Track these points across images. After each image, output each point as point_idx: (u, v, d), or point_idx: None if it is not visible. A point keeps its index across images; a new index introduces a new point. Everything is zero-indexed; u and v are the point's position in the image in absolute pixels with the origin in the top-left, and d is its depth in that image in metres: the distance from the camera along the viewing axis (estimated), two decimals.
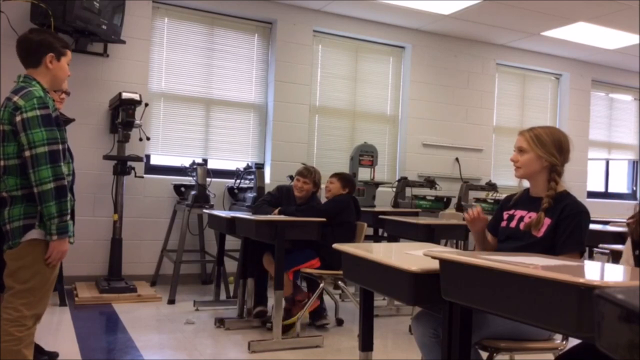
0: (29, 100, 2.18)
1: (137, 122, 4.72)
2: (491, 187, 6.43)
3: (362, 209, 4.82)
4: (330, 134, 6.32)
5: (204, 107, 5.76)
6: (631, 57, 7.11)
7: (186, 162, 5.37)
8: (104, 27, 4.83)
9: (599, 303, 0.81)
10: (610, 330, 0.78)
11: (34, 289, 2.21)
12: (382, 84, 6.60)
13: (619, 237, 3.82)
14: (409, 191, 6.08)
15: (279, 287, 3.54)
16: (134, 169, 4.88)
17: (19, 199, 2.21)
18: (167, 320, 4.17)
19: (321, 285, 3.92)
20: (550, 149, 2.22)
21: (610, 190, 8.30)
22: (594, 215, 2.48)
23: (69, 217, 2.25)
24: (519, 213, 2.31)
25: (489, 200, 6.29)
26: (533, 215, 2.23)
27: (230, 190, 5.59)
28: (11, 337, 2.16)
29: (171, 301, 4.62)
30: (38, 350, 3.08)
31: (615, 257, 2.48)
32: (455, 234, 4.62)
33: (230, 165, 5.83)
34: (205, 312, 4.38)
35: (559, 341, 2.18)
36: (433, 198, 6.08)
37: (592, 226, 2.70)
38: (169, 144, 5.62)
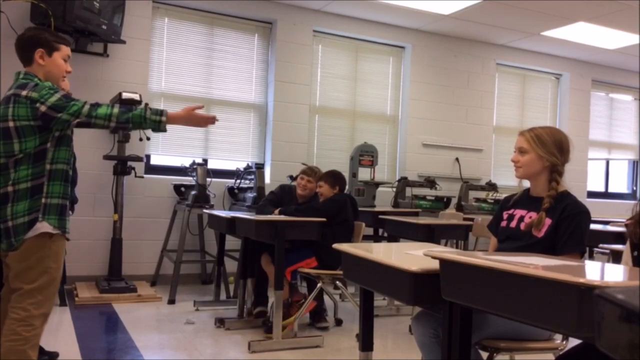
0: (41, 90, 2.21)
1: None
2: (491, 187, 6.43)
3: (362, 209, 4.83)
4: (330, 134, 6.32)
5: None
6: (631, 57, 7.11)
7: (186, 162, 5.37)
8: (104, 27, 4.83)
9: (599, 303, 0.81)
10: (610, 330, 0.78)
11: (42, 287, 2.21)
12: (382, 84, 6.60)
13: (619, 237, 3.82)
14: (409, 191, 6.08)
15: (279, 287, 3.54)
16: (134, 169, 4.88)
17: (24, 193, 2.20)
18: (167, 320, 4.17)
19: (319, 285, 3.93)
20: (551, 149, 2.22)
21: (610, 190, 8.31)
22: (594, 215, 2.48)
23: (67, 217, 2.25)
24: (518, 213, 2.31)
25: (489, 200, 6.30)
26: (533, 215, 2.23)
27: (230, 190, 5.59)
28: (18, 336, 2.15)
29: (171, 301, 4.62)
30: (39, 350, 3.07)
31: (615, 257, 2.49)
32: (455, 234, 4.62)
33: (230, 165, 5.83)
34: (205, 312, 4.38)
35: (559, 341, 2.18)
36: (433, 198, 6.08)
37: (592, 226, 2.70)
38: (169, 144, 5.62)
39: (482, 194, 6.47)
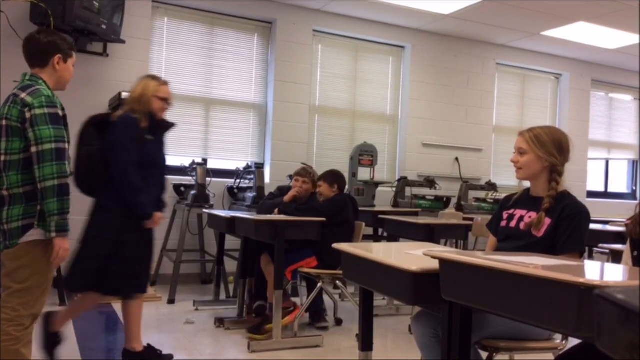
0: (37, 98, 2.20)
1: None
2: (491, 186, 6.43)
3: (362, 208, 4.82)
4: (330, 134, 6.32)
5: (203, 107, 5.76)
6: (631, 57, 7.11)
7: (186, 162, 5.36)
8: (104, 26, 4.83)
9: (599, 303, 0.80)
10: (610, 330, 0.77)
11: (32, 288, 2.21)
12: (382, 84, 6.60)
13: (619, 237, 3.82)
14: (408, 191, 6.08)
15: (279, 287, 3.54)
16: None
17: (19, 198, 2.21)
18: (167, 320, 4.17)
19: (319, 285, 3.92)
20: (550, 149, 2.22)
21: (610, 190, 8.31)
22: (594, 215, 2.47)
23: (68, 215, 2.24)
24: (518, 213, 2.31)
25: (489, 200, 6.30)
26: (533, 215, 2.23)
27: (230, 190, 5.59)
28: (9, 336, 2.16)
29: (171, 301, 4.62)
30: (155, 354, 3.10)
31: (615, 257, 2.48)
32: (455, 234, 4.62)
33: (230, 165, 5.83)
34: (205, 312, 4.38)
35: (558, 341, 2.18)
36: (433, 198, 6.08)
37: (592, 226, 2.70)
38: (169, 143, 5.58)
39: (481, 194, 6.47)
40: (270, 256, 3.89)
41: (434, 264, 1.60)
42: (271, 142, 5.90)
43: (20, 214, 2.20)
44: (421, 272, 1.65)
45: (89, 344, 3.46)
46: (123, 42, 5.11)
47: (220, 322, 3.99)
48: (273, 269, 3.65)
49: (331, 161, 6.07)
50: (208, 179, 5.07)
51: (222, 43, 5.84)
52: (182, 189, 5.38)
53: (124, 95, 4.60)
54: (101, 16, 4.77)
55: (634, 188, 8.43)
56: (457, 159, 6.80)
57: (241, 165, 5.69)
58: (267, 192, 4.76)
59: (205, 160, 5.60)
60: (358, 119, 6.45)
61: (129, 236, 2.88)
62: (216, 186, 5.43)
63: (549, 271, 1.24)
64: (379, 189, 5.98)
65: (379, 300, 4.58)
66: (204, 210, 4.94)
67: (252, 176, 5.30)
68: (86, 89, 5.08)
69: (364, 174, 5.84)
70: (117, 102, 4.73)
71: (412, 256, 1.98)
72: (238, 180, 5.50)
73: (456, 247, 5.22)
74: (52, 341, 2.82)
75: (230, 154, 5.91)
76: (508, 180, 6.77)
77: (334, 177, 4.34)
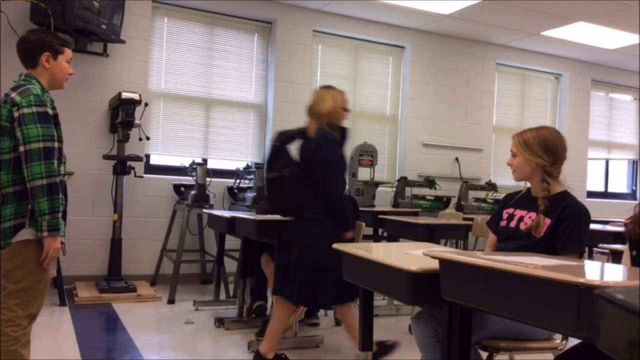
0: (25, 97, 2.19)
1: (137, 121, 4.72)
2: (491, 186, 6.43)
3: (362, 208, 4.82)
4: None
5: (203, 107, 5.76)
6: (631, 57, 7.11)
7: (186, 162, 5.36)
8: (104, 26, 4.83)
9: (599, 303, 0.80)
10: (610, 330, 0.77)
11: (28, 288, 2.21)
12: (382, 84, 6.60)
13: (618, 237, 3.82)
14: (408, 191, 6.08)
15: None
16: (133, 168, 4.88)
17: (10, 197, 2.20)
18: (167, 320, 4.17)
19: None
20: (537, 150, 2.24)
21: (610, 190, 8.31)
22: (593, 215, 2.47)
23: (60, 214, 2.23)
24: (519, 213, 2.32)
25: (489, 200, 6.30)
26: (533, 215, 2.23)
27: (230, 190, 5.59)
28: (7, 337, 2.16)
29: (171, 301, 4.62)
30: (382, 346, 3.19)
31: (615, 257, 2.48)
32: (455, 234, 4.62)
33: (230, 165, 5.83)
34: (205, 312, 4.38)
35: (558, 341, 2.18)
36: (433, 198, 6.08)
37: (592, 226, 2.69)
38: (168, 143, 5.62)
39: (481, 194, 6.47)
40: (271, 256, 3.88)
41: (434, 264, 1.60)
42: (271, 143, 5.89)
43: (12, 214, 2.20)
44: (421, 272, 1.65)
45: (88, 344, 3.46)
46: (123, 42, 5.11)
47: (220, 322, 3.99)
48: (273, 268, 3.64)
49: None
50: (208, 179, 5.07)
51: (222, 43, 5.84)
52: (182, 189, 5.38)
53: (124, 95, 4.61)
54: (101, 16, 4.77)
55: (634, 188, 8.43)
56: (457, 159, 6.80)
57: (241, 165, 5.69)
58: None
59: (205, 160, 5.60)
60: (358, 118, 6.45)
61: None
62: (216, 186, 5.43)
63: (549, 271, 1.24)
64: (379, 189, 5.98)
65: (379, 300, 4.58)
66: (204, 210, 4.94)
67: (252, 176, 5.30)
68: (86, 89, 5.08)
69: (364, 174, 5.84)
70: (117, 102, 4.74)
71: (412, 256, 1.98)
72: (238, 181, 5.50)
73: (456, 247, 5.22)
74: None
75: (230, 154, 5.91)
76: (508, 180, 6.73)
77: None
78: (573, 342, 1.70)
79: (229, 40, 5.87)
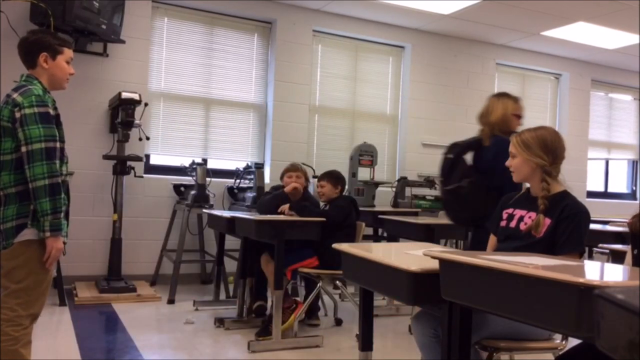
0: (27, 98, 2.19)
1: (137, 121, 4.72)
2: None
3: (362, 208, 4.81)
4: (330, 134, 6.32)
5: (203, 107, 5.76)
6: (631, 57, 7.11)
7: (186, 162, 5.36)
8: (104, 26, 4.83)
9: (599, 303, 0.80)
10: (610, 330, 0.77)
11: (29, 288, 2.21)
12: (381, 84, 6.60)
13: (618, 237, 3.82)
14: (408, 191, 6.08)
15: (279, 287, 3.54)
16: (133, 168, 4.88)
17: (12, 198, 2.20)
18: (167, 320, 4.17)
19: (319, 284, 3.92)
20: (536, 150, 2.24)
21: (609, 190, 8.31)
22: (593, 215, 2.47)
23: (62, 215, 2.23)
24: (518, 212, 2.32)
25: None
26: (533, 215, 2.23)
27: (230, 190, 5.59)
28: (8, 337, 2.16)
29: (171, 301, 4.62)
30: None
31: (615, 257, 2.48)
32: (455, 234, 4.62)
33: (230, 165, 5.83)
34: (205, 312, 4.37)
35: (558, 341, 2.18)
36: (433, 198, 6.07)
37: (592, 226, 2.70)
38: (168, 143, 5.62)
39: None
40: (270, 256, 3.89)
41: (434, 264, 1.60)
42: (271, 142, 5.90)
43: (14, 214, 2.20)
44: (421, 272, 1.66)
45: (88, 344, 3.46)
46: (123, 42, 5.11)
47: (220, 322, 3.99)
48: (273, 268, 3.65)
49: (331, 161, 6.07)
50: (208, 179, 5.07)
51: (222, 43, 5.84)
52: (182, 189, 5.38)
53: (124, 95, 4.61)
54: (101, 16, 4.77)
55: (634, 188, 8.43)
56: None
57: (241, 165, 5.69)
58: (265, 193, 4.75)
59: (205, 160, 5.60)
60: (358, 118, 6.45)
61: None
62: (216, 186, 5.43)
63: (549, 271, 1.24)
64: (379, 189, 5.98)
65: (379, 300, 4.58)
66: (204, 210, 4.94)
67: (252, 176, 5.30)
68: (86, 89, 5.08)
69: (363, 174, 5.84)
70: (116, 102, 4.73)
71: (412, 256, 1.98)
72: (238, 180, 5.50)
73: (456, 247, 5.22)
74: None
75: (230, 154, 5.91)
76: None
77: (337, 178, 4.30)
78: (573, 342, 1.70)
79: (229, 40, 5.87)
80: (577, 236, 2.13)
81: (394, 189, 6.08)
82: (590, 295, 1.01)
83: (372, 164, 5.82)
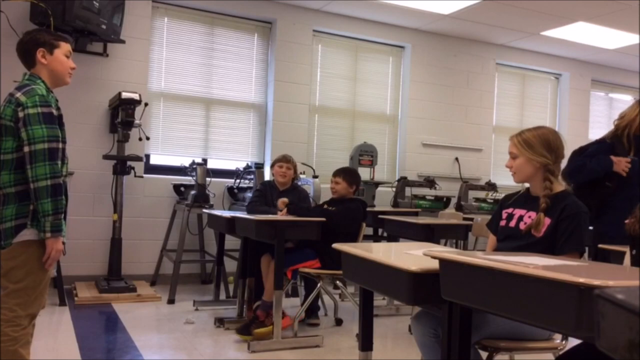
0: (30, 97, 2.19)
1: (137, 121, 4.72)
2: (491, 186, 6.43)
3: None
4: (330, 134, 6.32)
5: (203, 107, 5.76)
6: (631, 57, 7.11)
7: (186, 162, 5.37)
8: (104, 26, 4.83)
9: (599, 303, 0.80)
10: (610, 330, 0.77)
11: (28, 288, 2.21)
12: (381, 84, 6.60)
13: None
14: (408, 191, 6.08)
15: (279, 287, 3.54)
16: (133, 168, 4.88)
17: (12, 198, 2.20)
18: (167, 320, 4.17)
19: (319, 284, 3.92)
20: (539, 149, 2.23)
21: None
22: None
23: (63, 215, 2.23)
24: (518, 212, 2.31)
25: (489, 200, 6.30)
26: (532, 215, 2.23)
27: (230, 190, 5.59)
28: (7, 337, 2.16)
29: (171, 301, 4.62)
30: None
31: (615, 257, 2.48)
32: (454, 234, 4.62)
33: (230, 165, 5.83)
34: (205, 312, 4.38)
35: (558, 341, 2.18)
36: (433, 198, 6.08)
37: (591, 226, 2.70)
38: (168, 143, 5.62)
39: (481, 194, 6.47)
40: (271, 256, 3.88)
41: (434, 264, 1.60)
42: (271, 142, 5.90)
43: (13, 214, 2.20)
44: (421, 272, 1.65)
45: (88, 344, 3.46)
46: (123, 42, 5.11)
47: (220, 322, 3.99)
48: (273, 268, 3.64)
49: (331, 161, 6.08)
50: (208, 179, 5.07)
51: (222, 43, 5.84)
52: (182, 189, 5.38)
53: (124, 95, 4.61)
54: (101, 16, 4.77)
55: None
56: (457, 159, 6.80)
57: (241, 165, 5.69)
58: (255, 190, 4.76)
59: (205, 160, 5.60)
60: (358, 119, 6.45)
61: None
62: (216, 186, 5.43)
63: (549, 271, 1.24)
64: (379, 189, 5.98)
65: (379, 300, 4.58)
66: (204, 210, 4.94)
67: (252, 176, 5.30)
68: (86, 89, 5.08)
69: (364, 174, 5.80)
70: (116, 101, 4.73)
71: (412, 256, 1.98)
72: (238, 180, 5.50)
73: (456, 247, 5.22)
74: None
75: (230, 154, 5.91)
76: (508, 180, 6.72)
77: (354, 176, 4.23)
78: (573, 342, 1.70)
79: (229, 40, 5.87)
80: (577, 236, 2.13)
81: (394, 189, 6.08)
82: (590, 295, 1.01)
83: (372, 164, 5.82)
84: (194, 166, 5.14)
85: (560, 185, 2.26)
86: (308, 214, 3.87)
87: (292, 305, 4.60)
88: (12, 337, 2.17)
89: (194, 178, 5.05)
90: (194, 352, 3.43)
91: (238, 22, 5.88)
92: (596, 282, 1.15)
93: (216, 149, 5.83)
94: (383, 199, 6.06)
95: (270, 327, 3.64)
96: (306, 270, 3.92)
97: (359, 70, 6.45)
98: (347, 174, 4.22)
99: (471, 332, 1.66)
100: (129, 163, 4.83)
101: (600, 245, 2.69)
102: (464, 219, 4.96)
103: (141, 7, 5.33)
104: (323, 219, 3.73)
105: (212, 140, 5.81)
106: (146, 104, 4.79)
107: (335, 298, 4.51)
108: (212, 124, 5.79)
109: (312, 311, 4.16)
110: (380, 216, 4.71)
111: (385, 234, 5.15)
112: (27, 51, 2.32)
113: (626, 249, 1.93)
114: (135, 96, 4.63)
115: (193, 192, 4.98)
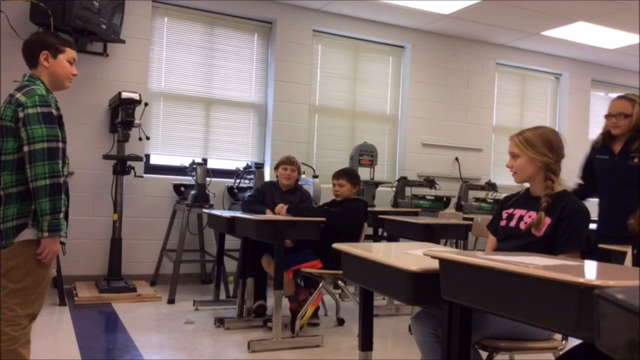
0: (30, 97, 2.20)
1: (137, 121, 4.72)
2: (491, 186, 6.43)
3: None
4: (330, 134, 6.32)
5: (203, 107, 5.76)
6: (631, 57, 7.11)
7: (186, 162, 5.37)
8: (104, 26, 4.83)
9: (599, 303, 0.80)
10: (610, 330, 0.77)
11: (28, 288, 2.21)
12: (381, 84, 6.60)
13: None
14: (408, 191, 6.08)
15: (279, 287, 3.54)
16: (133, 168, 4.88)
17: (13, 198, 2.21)
18: (167, 320, 4.17)
19: (321, 284, 3.92)
20: (541, 149, 2.23)
21: None
22: (593, 215, 2.48)
23: (62, 215, 2.23)
24: (518, 212, 2.32)
25: (489, 200, 6.30)
26: (533, 214, 2.23)
27: (230, 189, 5.59)
28: (7, 336, 2.16)
29: (171, 301, 4.62)
30: None
31: (615, 257, 2.48)
32: (455, 234, 4.62)
33: (230, 165, 5.83)
34: (205, 312, 4.38)
35: (558, 341, 2.18)
36: (433, 198, 6.08)
37: (591, 226, 2.69)
38: (168, 143, 5.62)
39: (481, 194, 6.46)
40: (272, 256, 3.89)
41: (434, 264, 1.60)
42: (271, 142, 5.90)
43: (15, 214, 2.20)
44: (421, 272, 1.65)
45: (88, 344, 3.46)
46: (123, 42, 5.11)
47: (220, 322, 3.99)
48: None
49: (331, 161, 6.08)
50: (208, 179, 5.07)
51: (222, 43, 5.84)
52: (182, 188, 5.38)
53: (124, 95, 4.61)
54: (101, 16, 4.77)
55: None
56: (457, 159, 6.80)
57: (241, 165, 5.69)
58: (254, 189, 4.77)
59: (205, 160, 5.60)
60: (358, 118, 6.45)
61: None
62: (216, 186, 5.43)
63: (549, 271, 1.24)
64: (379, 189, 5.98)
65: (379, 300, 4.58)
66: (204, 210, 4.94)
67: (252, 176, 5.30)
68: (86, 89, 5.08)
69: (364, 173, 5.82)
70: (116, 101, 4.73)
71: (412, 256, 1.98)
72: (238, 180, 5.50)
73: (456, 247, 5.22)
74: None
75: (230, 153, 5.91)
76: (508, 180, 6.72)
77: (356, 177, 4.28)
78: (573, 342, 1.70)
79: (229, 40, 5.86)
80: (577, 235, 2.13)
81: (394, 189, 6.08)
82: (590, 295, 1.01)
83: (372, 163, 5.82)
84: (194, 166, 5.14)
85: (559, 185, 2.26)
86: (308, 214, 3.87)
87: None
88: (12, 337, 2.17)
89: (194, 178, 5.05)
90: (194, 352, 3.43)
91: (238, 22, 5.88)
92: (596, 282, 1.15)
93: (216, 149, 5.83)
94: (383, 199, 6.06)
95: (307, 309, 3.85)
96: (308, 270, 3.92)
97: (359, 70, 6.45)
98: (351, 175, 4.24)
99: (471, 332, 1.66)
100: (129, 163, 4.83)
101: (600, 245, 2.68)
102: (464, 219, 4.96)
103: (141, 7, 5.33)
104: (323, 218, 3.73)
105: (212, 140, 5.80)
106: (146, 104, 4.79)
107: (337, 298, 4.51)
108: (212, 123, 5.79)
109: (313, 312, 4.15)
110: (380, 216, 4.71)
111: (385, 234, 5.15)
112: (31, 51, 2.33)
113: (627, 249, 1.93)
114: (135, 96, 4.63)
115: (193, 192, 4.98)
